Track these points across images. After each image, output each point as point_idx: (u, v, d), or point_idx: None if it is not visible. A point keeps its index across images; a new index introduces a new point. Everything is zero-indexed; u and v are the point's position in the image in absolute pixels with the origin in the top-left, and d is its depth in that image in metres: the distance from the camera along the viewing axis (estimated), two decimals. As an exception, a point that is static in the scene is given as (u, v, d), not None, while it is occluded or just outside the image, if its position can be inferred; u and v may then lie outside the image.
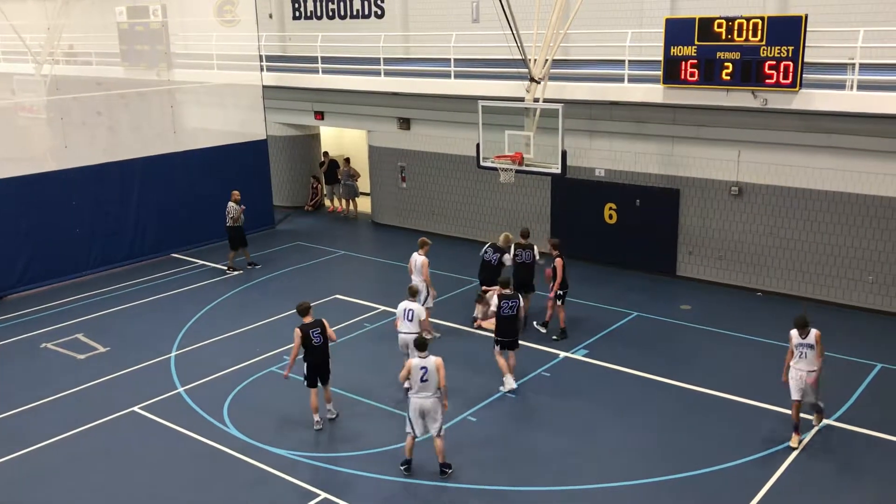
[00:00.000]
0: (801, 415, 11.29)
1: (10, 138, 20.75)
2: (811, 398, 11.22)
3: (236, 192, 19.61)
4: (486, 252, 15.57)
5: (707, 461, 11.00)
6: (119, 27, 25.37)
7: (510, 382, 13.09)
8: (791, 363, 11.20)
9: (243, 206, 19.50)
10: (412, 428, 10.78)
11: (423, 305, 14.84)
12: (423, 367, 10.51)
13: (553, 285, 14.83)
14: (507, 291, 13.09)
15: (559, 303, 15.03)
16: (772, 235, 17.02)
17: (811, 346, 11.00)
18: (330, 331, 12.08)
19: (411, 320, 12.98)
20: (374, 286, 18.20)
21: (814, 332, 11.04)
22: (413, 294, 13.53)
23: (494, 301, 13.12)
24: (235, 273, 19.58)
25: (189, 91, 23.87)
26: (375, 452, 11.52)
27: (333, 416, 12.42)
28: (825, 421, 11.80)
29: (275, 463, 11.27)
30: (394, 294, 16.42)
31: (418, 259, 15.08)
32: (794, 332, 11.15)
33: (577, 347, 14.80)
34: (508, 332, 13.07)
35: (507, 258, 15.32)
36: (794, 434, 11.25)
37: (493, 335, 15.26)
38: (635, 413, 12.49)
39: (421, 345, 10.70)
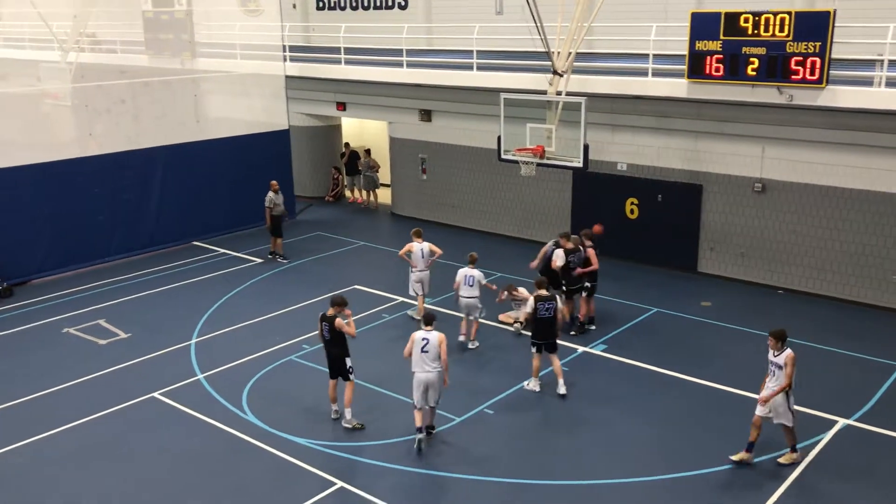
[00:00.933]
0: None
1: (36, 125, 20.94)
2: (780, 419, 10.46)
3: (274, 182, 19.77)
4: (549, 244, 15.43)
5: (724, 459, 10.92)
6: (144, 16, 25.52)
7: (534, 385, 12.98)
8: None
9: (271, 206, 19.55)
10: (416, 401, 11.29)
11: (425, 293, 15.56)
12: (424, 339, 11.14)
13: (582, 273, 14.76)
14: (544, 293, 12.81)
15: (584, 294, 14.99)
16: (795, 233, 16.86)
17: (780, 367, 10.30)
18: (346, 328, 11.58)
19: (472, 285, 14.23)
20: (393, 277, 18.18)
21: (786, 353, 10.28)
22: (472, 261, 14.40)
23: (530, 303, 12.87)
24: (284, 261, 19.76)
25: (212, 80, 23.98)
26: (392, 443, 11.54)
27: (349, 426, 11.83)
28: (796, 456, 10.74)
29: (292, 451, 11.32)
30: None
31: (424, 246, 15.31)
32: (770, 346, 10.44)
33: (595, 342, 14.75)
34: (545, 333, 12.82)
35: (558, 255, 14.90)
36: (744, 450, 10.76)
37: (509, 328, 15.36)
38: (652, 409, 12.43)
39: (429, 319, 11.36)
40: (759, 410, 10.60)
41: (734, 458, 10.81)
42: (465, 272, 14.37)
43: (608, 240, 18.66)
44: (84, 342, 15.28)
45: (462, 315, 14.71)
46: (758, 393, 10.52)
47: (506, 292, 15.29)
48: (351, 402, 11.90)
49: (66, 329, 15.86)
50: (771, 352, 10.45)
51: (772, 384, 10.47)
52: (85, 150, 19.64)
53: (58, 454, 11.44)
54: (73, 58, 24.78)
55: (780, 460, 10.80)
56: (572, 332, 14.98)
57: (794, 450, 10.81)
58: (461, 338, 14.65)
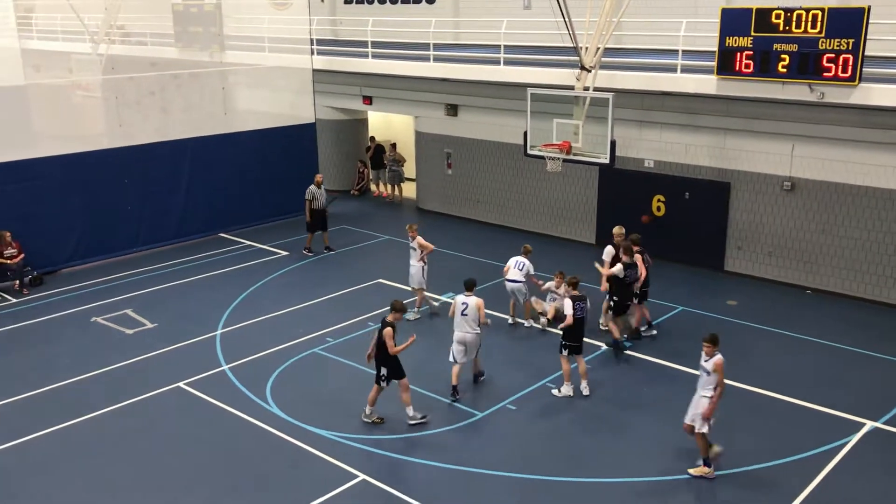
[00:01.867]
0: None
1: (67, 116, 21.17)
2: (700, 427, 10.28)
3: (319, 176, 19.85)
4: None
5: (747, 460, 10.83)
6: (174, 8, 25.70)
7: (567, 390, 12.74)
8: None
9: (311, 199, 19.59)
10: (454, 357, 12.51)
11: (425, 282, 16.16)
12: (464, 303, 12.45)
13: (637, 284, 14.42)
14: (577, 293, 12.72)
15: (637, 302, 14.67)
16: (824, 233, 16.64)
17: (708, 372, 10.19)
18: (388, 340, 11.48)
19: (521, 269, 15.09)
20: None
21: (715, 359, 10.12)
22: (526, 252, 15.33)
23: (568, 303, 12.60)
24: (309, 254, 19.81)
25: (240, 73, 24.12)
26: (416, 437, 11.57)
27: (368, 421, 11.86)
28: (709, 471, 10.46)
29: (315, 443, 11.39)
30: (436, 280, 16.52)
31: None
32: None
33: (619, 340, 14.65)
34: (578, 335, 12.65)
35: (608, 253, 14.77)
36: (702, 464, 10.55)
37: (535, 325, 15.29)
38: (675, 407, 12.25)
39: (470, 284, 12.70)
40: (690, 418, 10.51)
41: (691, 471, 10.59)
42: (517, 258, 15.23)
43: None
44: (111, 331, 15.46)
45: (510, 299, 15.43)
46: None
47: (552, 282, 15.17)
48: (373, 402, 11.90)
49: (94, 318, 16.05)
50: (702, 355, 10.30)
51: (700, 389, 10.36)
52: (115, 142, 19.84)
53: (84, 441, 11.59)
54: (104, 50, 25.01)
55: (691, 471, 10.55)
56: (628, 344, 14.54)
57: (706, 463, 10.48)
58: (510, 321, 15.48)
